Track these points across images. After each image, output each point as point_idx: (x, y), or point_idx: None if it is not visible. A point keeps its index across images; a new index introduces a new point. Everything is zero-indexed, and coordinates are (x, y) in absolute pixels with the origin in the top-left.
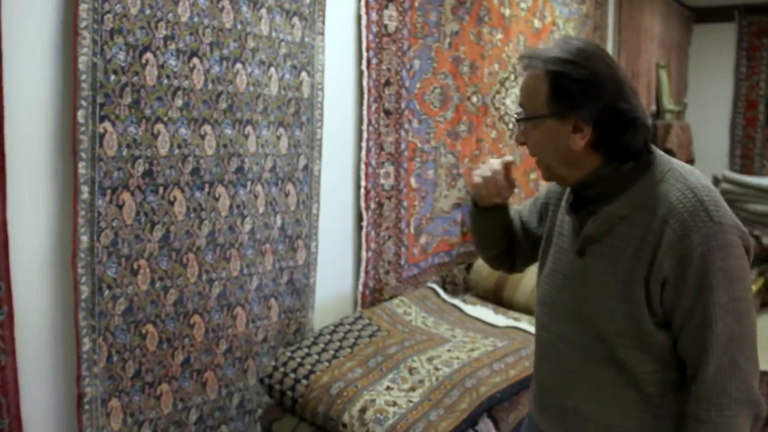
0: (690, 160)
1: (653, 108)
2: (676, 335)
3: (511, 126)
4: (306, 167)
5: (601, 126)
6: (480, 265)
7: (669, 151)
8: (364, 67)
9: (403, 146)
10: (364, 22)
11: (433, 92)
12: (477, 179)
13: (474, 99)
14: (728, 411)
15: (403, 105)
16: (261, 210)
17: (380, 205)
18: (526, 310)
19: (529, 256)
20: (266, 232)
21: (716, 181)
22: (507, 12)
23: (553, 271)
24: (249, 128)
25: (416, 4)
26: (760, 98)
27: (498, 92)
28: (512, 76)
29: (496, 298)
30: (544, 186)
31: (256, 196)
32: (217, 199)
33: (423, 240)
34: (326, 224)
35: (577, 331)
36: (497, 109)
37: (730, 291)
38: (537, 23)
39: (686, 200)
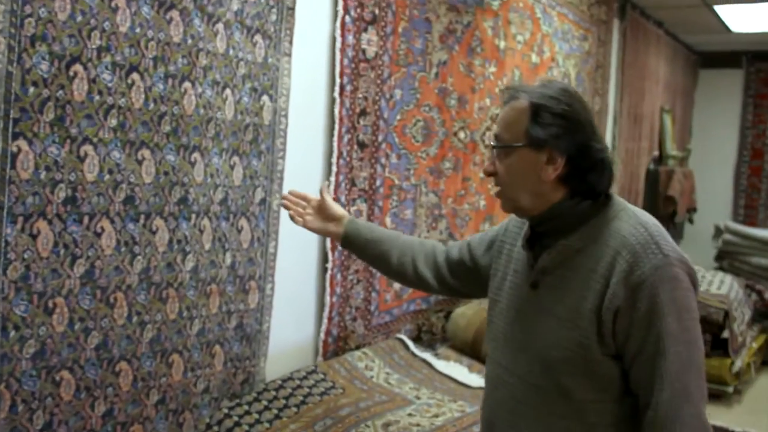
0: (692, 209)
1: (656, 153)
2: (629, 365)
3: None
4: (263, 201)
5: (572, 160)
6: (458, 314)
7: (671, 199)
8: (336, 93)
9: (378, 182)
10: (338, 44)
11: (416, 125)
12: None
13: (461, 135)
14: None
15: (380, 137)
16: (207, 246)
17: None
18: None
19: (472, 282)
20: (212, 271)
21: (719, 231)
22: (502, 44)
23: (507, 307)
24: (196, 155)
25: (400, 29)
26: (766, 147)
27: (488, 128)
28: None
29: (474, 351)
30: (502, 222)
31: (201, 231)
32: (154, 233)
33: (397, 285)
34: (285, 264)
35: (524, 362)
36: (487, 146)
37: (680, 320)
38: (535, 58)
39: (638, 234)
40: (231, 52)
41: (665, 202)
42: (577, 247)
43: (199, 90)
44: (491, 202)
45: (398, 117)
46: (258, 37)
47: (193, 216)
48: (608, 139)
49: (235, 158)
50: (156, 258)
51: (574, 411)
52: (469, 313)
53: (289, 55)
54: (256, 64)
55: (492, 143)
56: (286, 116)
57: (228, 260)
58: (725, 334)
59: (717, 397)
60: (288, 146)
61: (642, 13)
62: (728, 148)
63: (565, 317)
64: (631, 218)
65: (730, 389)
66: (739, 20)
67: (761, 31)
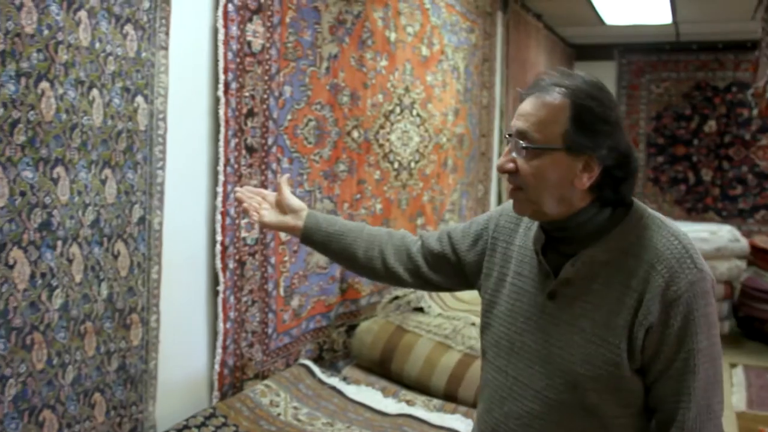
0: None
1: None
2: (654, 381)
3: (396, 165)
4: (142, 220)
5: (609, 169)
6: (364, 330)
7: None
8: (221, 92)
9: (270, 191)
10: (221, 36)
11: (307, 125)
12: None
13: (355, 134)
14: None
15: (270, 140)
16: (78, 278)
17: (241, 263)
18: (418, 385)
19: (456, 277)
20: (86, 307)
21: None
22: (392, 36)
23: (511, 312)
24: (59, 169)
25: (287, 19)
26: (640, 137)
27: (382, 126)
28: (398, 109)
29: (384, 370)
30: (485, 215)
31: (70, 261)
32: (11, 267)
33: (295, 302)
34: (171, 291)
35: (542, 376)
36: (381, 145)
37: (709, 336)
38: (425, 51)
39: (672, 247)
40: (97, 45)
41: None
42: (604, 259)
43: (60, 91)
44: (387, 206)
45: (288, 117)
46: (129, 28)
47: (59, 243)
48: (496, 133)
49: (107, 171)
50: (16, 297)
51: (597, 427)
52: (375, 328)
53: (166, 48)
54: (127, 60)
55: (518, 141)
56: (164, 119)
57: (104, 292)
58: None
59: None
60: (168, 155)
61: (522, 5)
62: None
63: (593, 332)
64: (661, 228)
65: None
66: (613, 13)
67: (632, 24)
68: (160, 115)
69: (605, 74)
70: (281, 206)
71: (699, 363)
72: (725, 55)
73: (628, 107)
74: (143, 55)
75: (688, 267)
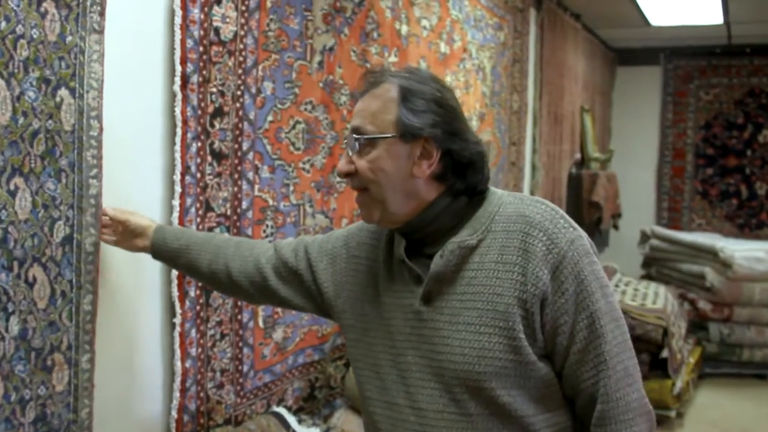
0: (617, 214)
1: (578, 156)
2: (563, 361)
3: None
4: (69, 239)
5: (448, 155)
6: None
7: (596, 205)
8: (177, 87)
9: (245, 204)
10: (177, 20)
11: (295, 128)
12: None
13: None
14: (636, 427)
15: (245, 145)
16: None
17: (206, 290)
18: None
19: (308, 298)
20: None
21: (645, 237)
22: (404, 29)
23: (387, 333)
24: None
25: (268, 3)
26: (688, 147)
27: None
28: None
29: None
30: (341, 231)
31: None
32: None
33: (279, 334)
34: (113, 326)
35: (439, 392)
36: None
37: (605, 296)
38: (444, 47)
39: (541, 211)
40: (4, 25)
41: (589, 209)
42: (473, 243)
43: None
44: None
45: (269, 118)
46: (49, 5)
47: None
48: (528, 142)
49: (18, 180)
50: None
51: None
52: None
53: (100, 31)
54: (47, 44)
55: (353, 137)
56: (98, 118)
57: (15, 328)
58: (665, 353)
59: (659, 422)
60: (107, 161)
61: (559, 4)
62: (649, 149)
63: (481, 322)
64: (523, 199)
65: (673, 413)
66: (659, 13)
67: (680, 25)
68: (93, 113)
69: (650, 80)
70: (126, 228)
71: (604, 324)
72: None
73: (674, 115)
74: (68, 39)
75: (563, 227)
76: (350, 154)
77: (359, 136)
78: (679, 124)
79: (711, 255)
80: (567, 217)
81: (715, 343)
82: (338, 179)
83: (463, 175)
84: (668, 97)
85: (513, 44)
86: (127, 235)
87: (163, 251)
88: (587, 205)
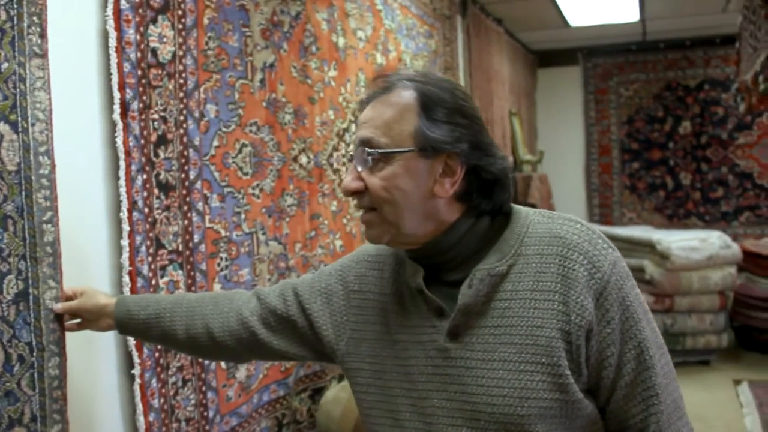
0: None
1: (510, 159)
2: (609, 396)
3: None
4: (23, 295)
5: (473, 172)
6: (330, 401)
7: (532, 207)
8: (116, 115)
9: (197, 237)
10: (112, 42)
11: (241, 152)
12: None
13: (303, 159)
14: None
15: (192, 174)
16: None
17: None
18: None
19: (306, 346)
20: None
21: None
22: (341, 41)
23: (406, 375)
24: None
25: (205, 20)
26: (613, 143)
27: (336, 148)
28: (353, 126)
29: None
30: (336, 265)
31: None
32: None
33: (242, 373)
34: (71, 386)
35: None
36: (336, 171)
37: (649, 322)
38: (380, 58)
39: (577, 231)
40: None
41: None
42: (502, 270)
43: None
44: (350, 241)
45: (215, 143)
46: None
47: None
48: None
49: None
50: None
51: None
52: (344, 397)
53: (42, 55)
54: None
55: (364, 151)
56: (48, 153)
57: None
58: None
59: None
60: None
61: (482, 9)
62: (575, 147)
63: (519, 359)
64: (553, 217)
65: None
66: (578, 14)
67: (596, 24)
68: (41, 148)
69: (571, 79)
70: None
71: (653, 354)
72: (694, 53)
73: (597, 113)
74: (4, 66)
75: (603, 248)
76: (359, 169)
77: (373, 150)
78: (602, 121)
79: (648, 248)
80: (603, 236)
81: None
82: (291, 202)
83: (489, 194)
84: (590, 96)
85: (443, 51)
86: (88, 318)
87: (130, 326)
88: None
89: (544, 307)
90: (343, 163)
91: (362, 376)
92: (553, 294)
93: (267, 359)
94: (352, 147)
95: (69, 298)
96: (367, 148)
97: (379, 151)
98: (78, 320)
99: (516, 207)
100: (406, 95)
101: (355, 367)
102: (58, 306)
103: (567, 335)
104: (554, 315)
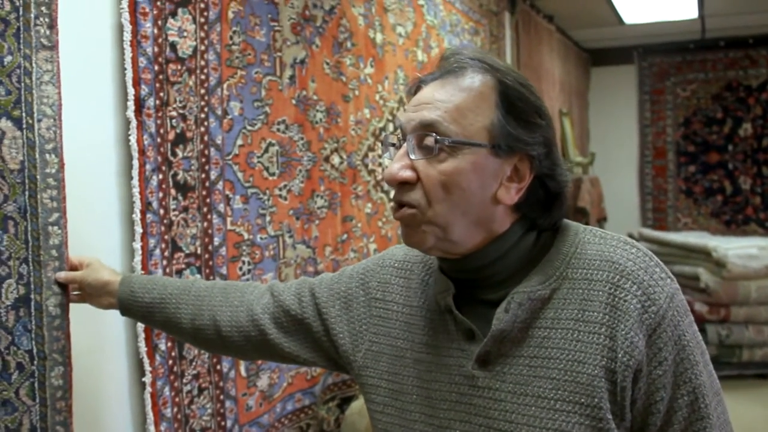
0: (603, 219)
1: None
2: None
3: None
4: (24, 301)
5: (540, 180)
6: (355, 412)
7: (582, 211)
8: (130, 112)
9: (217, 240)
10: (127, 36)
11: (267, 152)
12: None
13: (335, 160)
14: None
15: (213, 174)
16: None
17: (179, 341)
18: None
19: (319, 352)
20: None
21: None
22: (378, 37)
23: (427, 400)
24: None
25: (229, 14)
26: (668, 145)
27: (371, 148)
28: (390, 126)
29: None
30: (356, 268)
31: None
32: None
33: (264, 382)
34: (76, 397)
35: None
36: (371, 172)
37: (706, 365)
38: (421, 55)
39: (633, 257)
40: None
41: (576, 215)
42: (544, 294)
43: None
44: (385, 245)
45: (239, 142)
46: None
47: None
48: None
49: None
50: None
51: None
52: None
53: (52, 47)
54: None
55: (424, 136)
56: (57, 152)
57: None
58: None
59: None
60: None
61: (532, 6)
62: (629, 150)
63: (556, 396)
64: (606, 238)
65: None
66: (633, 10)
67: (652, 21)
68: (48, 146)
69: (625, 79)
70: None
71: (709, 402)
72: (757, 51)
73: (652, 114)
74: (7, 59)
75: (660, 278)
76: (413, 157)
77: (442, 138)
78: (657, 122)
79: (703, 255)
80: (662, 264)
81: (713, 346)
82: (321, 204)
83: (549, 208)
84: (645, 96)
85: (490, 49)
86: (90, 293)
87: (133, 308)
88: (573, 211)
89: (588, 340)
90: (379, 164)
91: (379, 394)
92: (600, 326)
93: (275, 361)
94: (390, 128)
95: (74, 268)
96: (434, 134)
97: (451, 139)
98: (78, 292)
99: (566, 222)
100: (484, 82)
101: (371, 383)
102: (61, 274)
103: (612, 374)
104: (599, 350)
